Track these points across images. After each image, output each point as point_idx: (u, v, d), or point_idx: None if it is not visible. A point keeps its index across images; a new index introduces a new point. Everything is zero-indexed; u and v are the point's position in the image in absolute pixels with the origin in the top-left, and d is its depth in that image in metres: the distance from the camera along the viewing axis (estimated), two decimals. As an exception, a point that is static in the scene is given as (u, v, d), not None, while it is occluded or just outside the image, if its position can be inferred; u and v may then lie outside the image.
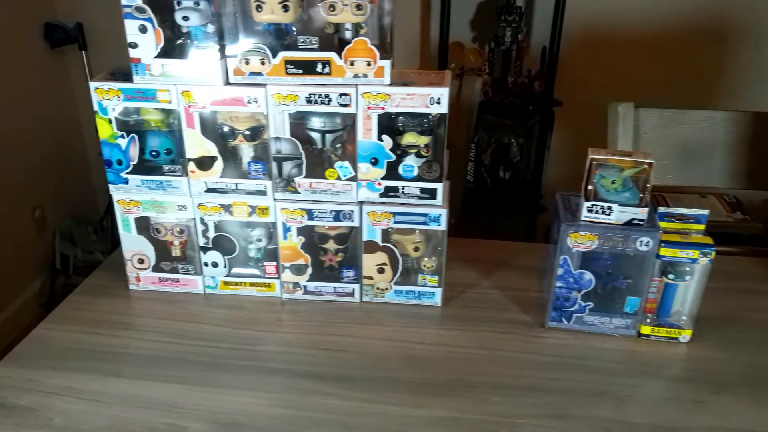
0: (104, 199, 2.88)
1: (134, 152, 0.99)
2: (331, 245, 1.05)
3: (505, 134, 2.41)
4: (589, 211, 0.93)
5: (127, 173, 1.00)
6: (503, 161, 2.47)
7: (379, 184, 0.99)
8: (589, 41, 2.46)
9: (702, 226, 0.95)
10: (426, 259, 1.06)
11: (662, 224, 0.94)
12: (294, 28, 0.93)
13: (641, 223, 0.92)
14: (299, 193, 1.00)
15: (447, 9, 2.29)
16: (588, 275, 0.97)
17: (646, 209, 0.92)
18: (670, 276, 0.95)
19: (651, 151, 1.29)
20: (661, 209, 0.95)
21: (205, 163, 0.99)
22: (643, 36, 2.48)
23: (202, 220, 1.03)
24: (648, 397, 0.89)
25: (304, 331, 1.02)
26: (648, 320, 0.99)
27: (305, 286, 1.07)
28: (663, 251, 0.92)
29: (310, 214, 1.01)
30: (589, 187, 0.94)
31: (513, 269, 1.18)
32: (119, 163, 0.99)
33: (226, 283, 1.08)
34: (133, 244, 1.06)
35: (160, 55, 0.92)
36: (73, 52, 2.66)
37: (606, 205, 0.92)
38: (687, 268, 0.94)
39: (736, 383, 0.91)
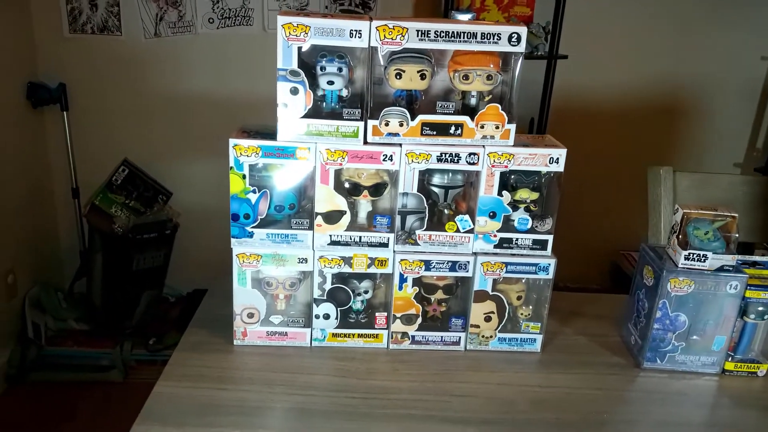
0: (72, 264, 2.77)
1: (264, 206, 1.02)
2: (438, 296, 1.11)
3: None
4: (687, 258, 1.05)
5: (253, 227, 1.02)
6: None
7: (495, 236, 1.06)
8: (572, 113, 2.69)
9: (775, 271, 1.08)
10: (524, 307, 1.14)
11: (747, 270, 1.07)
12: (422, 95, 1.01)
13: (731, 269, 1.05)
14: (419, 245, 1.06)
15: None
16: (683, 317, 1.07)
17: (735, 257, 1.04)
18: (751, 316, 1.07)
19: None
20: (739, 257, 1.08)
21: (333, 217, 1.03)
22: (609, 106, 2.75)
23: (321, 272, 1.06)
24: (742, 425, 0.99)
25: (424, 378, 1.05)
26: (729, 358, 1.10)
27: (413, 336, 1.11)
28: (749, 293, 1.05)
29: (427, 265, 1.06)
30: (679, 237, 1.06)
31: (587, 318, 1.27)
32: (246, 217, 1.02)
33: (334, 335, 1.11)
34: (246, 299, 1.07)
35: (305, 116, 0.97)
36: (54, 113, 2.59)
37: (702, 253, 1.04)
38: (763, 309, 1.07)
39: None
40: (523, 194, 1.06)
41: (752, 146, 2.84)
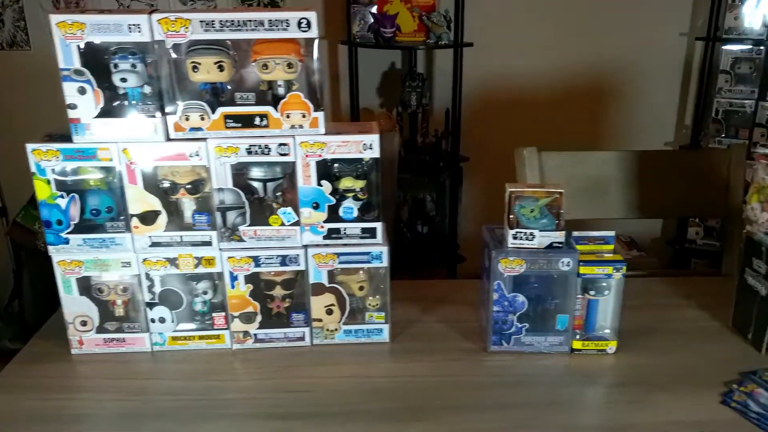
0: (8, 284, 2.75)
1: (75, 212, 1.00)
2: (278, 291, 1.09)
3: (420, 191, 2.55)
4: (514, 238, 1.02)
5: (67, 233, 1.00)
6: (420, 216, 2.59)
7: (322, 227, 1.04)
8: (487, 101, 2.67)
9: (611, 246, 1.05)
10: (370, 297, 1.11)
11: (579, 247, 1.04)
12: (229, 87, 0.99)
13: (560, 246, 1.02)
14: (244, 241, 1.03)
15: (355, 78, 2.43)
16: (521, 297, 1.05)
17: (563, 233, 1.02)
18: (591, 292, 1.04)
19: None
20: (575, 233, 1.06)
21: (148, 218, 1.01)
22: (533, 93, 2.72)
23: (148, 276, 1.04)
24: (592, 403, 0.97)
25: (262, 376, 1.04)
26: (577, 336, 1.08)
27: (255, 335, 1.09)
28: (582, 269, 1.02)
29: (256, 260, 1.04)
30: (511, 216, 1.03)
31: (451, 304, 1.25)
32: (59, 223, 1.00)
33: (174, 339, 1.08)
34: (75, 306, 1.05)
35: (99, 116, 0.95)
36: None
37: (528, 231, 1.02)
38: (604, 284, 1.04)
39: (663, 383, 1.00)
40: (347, 183, 1.03)
41: (681, 123, 2.80)
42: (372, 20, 2.27)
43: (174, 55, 0.94)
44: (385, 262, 1.06)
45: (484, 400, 0.97)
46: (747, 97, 2.52)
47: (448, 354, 1.09)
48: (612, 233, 1.06)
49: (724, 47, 2.51)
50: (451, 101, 2.41)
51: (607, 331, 1.08)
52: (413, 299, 1.26)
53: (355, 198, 1.05)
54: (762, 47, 2.46)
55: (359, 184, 1.04)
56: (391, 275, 1.08)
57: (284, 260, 1.04)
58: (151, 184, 1.00)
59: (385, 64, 2.69)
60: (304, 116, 0.98)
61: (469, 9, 2.37)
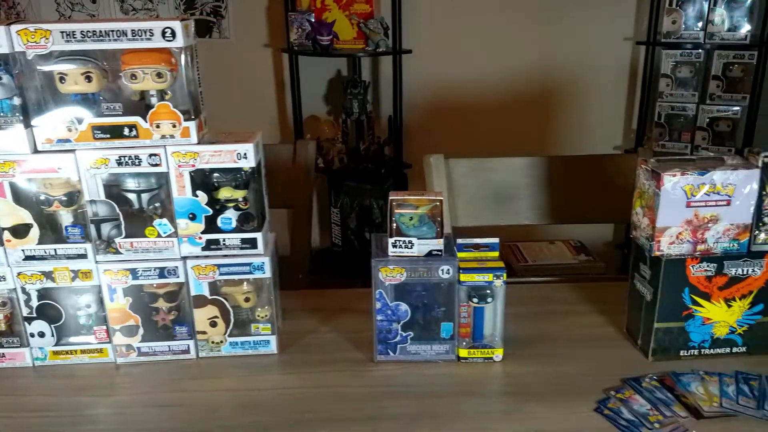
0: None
1: (-55, 226, 0.98)
2: (161, 304, 1.07)
3: (366, 198, 2.53)
4: (394, 246, 1.01)
5: (-63, 248, 0.99)
6: (367, 223, 2.58)
7: (200, 238, 1.03)
8: (432, 107, 2.67)
9: (496, 253, 1.05)
10: (259, 309, 1.10)
11: (461, 254, 1.04)
12: (102, 98, 0.98)
13: (440, 253, 1.02)
14: (121, 253, 1.02)
15: (297, 86, 2.43)
16: (403, 306, 1.04)
17: (442, 240, 1.01)
18: (474, 300, 1.04)
19: (464, 195, 1.43)
20: (460, 240, 1.05)
21: (20, 231, 0.99)
22: (479, 99, 2.73)
23: (24, 290, 1.02)
24: (463, 413, 0.95)
25: (140, 391, 1.02)
26: (464, 344, 1.07)
27: (138, 348, 1.08)
28: (463, 277, 1.02)
29: (134, 273, 1.03)
30: (394, 225, 1.03)
31: (351, 314, 1.24)
32: (-71, 238, 0.98)
33: (55, 353, 1.07)
34: (-50, 323, 1.03)
35: (-36, 129, 0.94)
36: None
37: (407, 239, 1.01)
38: (488, 291, 1.04)
39: (541, 392, 0.99)
40: (226, 193, 1.02)
41: (629, 127, 2.82)
42: (310, 28, 2.27)
43: (39, 67, 0.93)
44: (268, 273, 1.05)
45: (359, 412, 0.96)
46: (688, 100, 2.54)
47: (336, 365, 1.08)
48: (496, 240, 1.06)
49: (665, 51, 2.53)
50: (393, 108, 2.41)
51: (496, 338, 1.07)
52: (315, 309, 1.25)
53: (237, 208, 1.04)
54: (701, 50, 2.48)
55: (239, 194, 1.03)
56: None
57: (163, 272, 1.03)
58: (24, 197, 0.99)
59: (331, 72, 2.69)
60: (174, 126, 0.97)
61: (410, 17, 2.38)
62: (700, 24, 2.42)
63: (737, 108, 2.47)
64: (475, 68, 2.66)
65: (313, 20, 2.26)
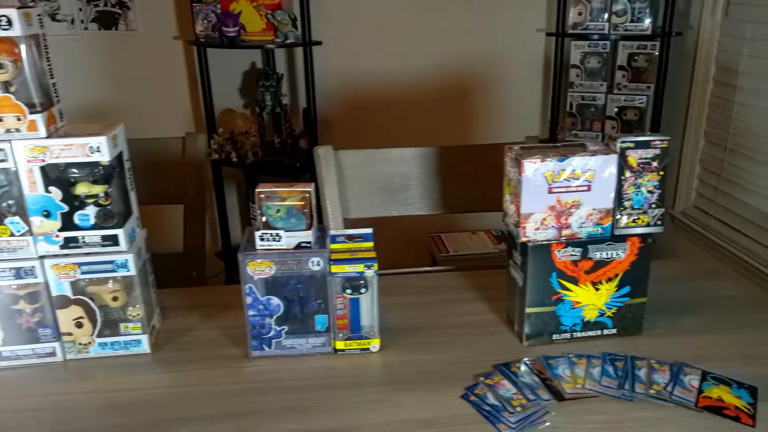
0: None
1: None
2: (23, 305, 1.02)
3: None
4: (261, 239, 0.99)
5: None
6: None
7: (57, 236, 0.98)
8: (348, 99, 2.65)
9: (370, 244, 1.04)
10: (131, 308, 1.06)
11: (334, 246, 1.03)
12: (-55, 90, 0.92)
13: (309, 245, 1.00)
14: (-29, 255, 0.97)
15: (207, 79, 2.38)
16: (275, 300, 1.02)
17: (310, 232, 1.00)
18: (348, 291, 1.03)
19: (355, 187, 1.42)
20: (333, 232, 1.04)
21: None
22: (395, 90, 2.73)
23: None
24: (333, 405, 0.94)
25: (2, 396, 0.97)
26: (341, 336, 1.06)
27: (0, 352, 1.03)
28: (334, 268, 1.00)
29: (-14, 275, 0.98)
30: (263, 219, 1.01)
31: (234, 310, 1.20)
32: None
33: None
34: None
35: None
36: None
37: (274, 232, 0.99)
38: (362, 282, 1.03)
39: (414, 381, 0.99)
40: (83, 188, 0.98)
41: (544, 118, 2.87)
42: (216, 19, 2.22)
43: None
44: (132, 271, 1.02)
45: (228, 408, 0.94)
46: (597, 90, 2.60)
47: (210, 362, 1.05)
48: (370, 230, 1.05)
49: (573, 42, 2.58)
50: (306, 100, 2.39)
51: (373, 329, 1.07)
52: (199, 306, 1.22)
53: (97, 204, 1.00)
54: (607, 42, 2.54)
55: (99, 189, 0.99)
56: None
57: (19, 273, 0.98)
58: None
59: (246, 64, 2.64)
60: (19, 119, 0.92)
61: (319, 8, 2.35)
62: (605, 15, 2.47)
63: (643, 97, 2.55)
64: (389, 60, 2.66)
65: (219, 11, 2.20)
